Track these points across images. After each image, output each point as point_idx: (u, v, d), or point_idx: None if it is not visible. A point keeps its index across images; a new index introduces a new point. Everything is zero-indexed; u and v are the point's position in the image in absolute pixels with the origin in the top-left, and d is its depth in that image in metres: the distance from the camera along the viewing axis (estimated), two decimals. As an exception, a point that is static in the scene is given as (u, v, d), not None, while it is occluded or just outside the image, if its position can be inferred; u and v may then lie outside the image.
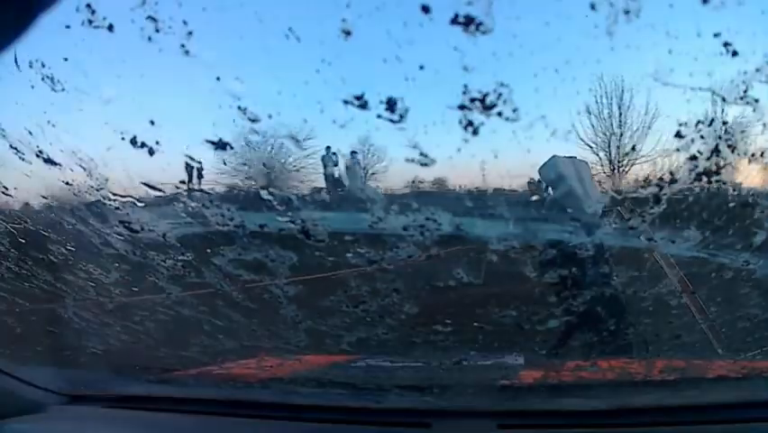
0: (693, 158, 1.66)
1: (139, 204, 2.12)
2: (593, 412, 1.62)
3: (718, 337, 2.13)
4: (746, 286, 2.03)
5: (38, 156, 2.20)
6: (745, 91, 1.58)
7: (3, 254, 2.14)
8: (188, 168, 1.95)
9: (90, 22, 1.58)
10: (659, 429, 1.54)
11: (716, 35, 1.54)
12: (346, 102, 1.50)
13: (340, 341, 1.90)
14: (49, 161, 2.21)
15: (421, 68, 1.54)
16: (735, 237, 1.95)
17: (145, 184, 2.32)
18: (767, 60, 1.57)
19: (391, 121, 1.50)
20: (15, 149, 2.13)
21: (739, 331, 2.09)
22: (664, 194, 1.71)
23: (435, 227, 1.73)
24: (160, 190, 2.10)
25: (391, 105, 1.49)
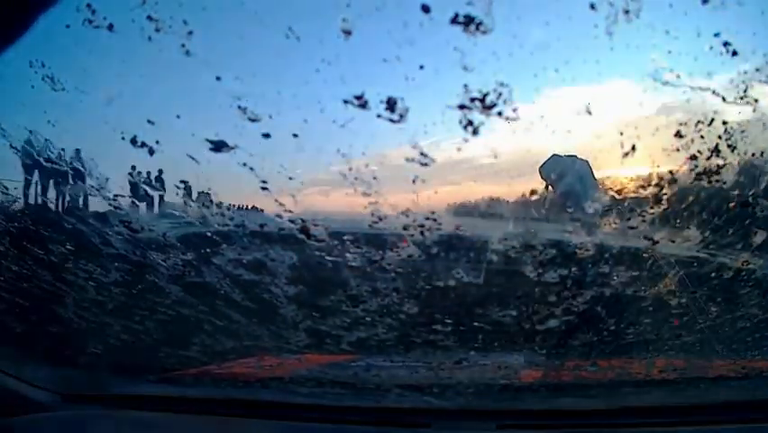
0: (693, 158, 1.66)
1: (139, 204, 2.12)
2: (593, 412, 1.62)
3: (718, 337, 2.12)
4: (746, 286, 2.03)
5: (38, 156, 2.20)
6: (745, 91, 1.58)
7: (3, 254, 2.14)
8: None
9: (90, 21, 1.58)
10: (659, 429, 1.54)
11: (716, 35, 1.55)
12: (346, 102, 1.50)
13: (340, 341, 1.90)
14: (49, 160, 2.22)
15: (421, 68, 1.54)
16: (735, 237, 1.94)
17: (146, 183, 2.33)
18: (767, 60, 1.58)
19: (391, 121, 1.50)
20: (15, 149, 2.13)
21: (739, 331, 2.08)
22: (664, 194, 1.71)
23: (435, 227, 1.73)
24: (160, 190, 2.10)
25: (391, 104, 1.49)
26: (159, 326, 2.06)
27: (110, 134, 1.84)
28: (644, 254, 2.05)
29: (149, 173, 2.30)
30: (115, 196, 2.12)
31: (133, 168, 2.29)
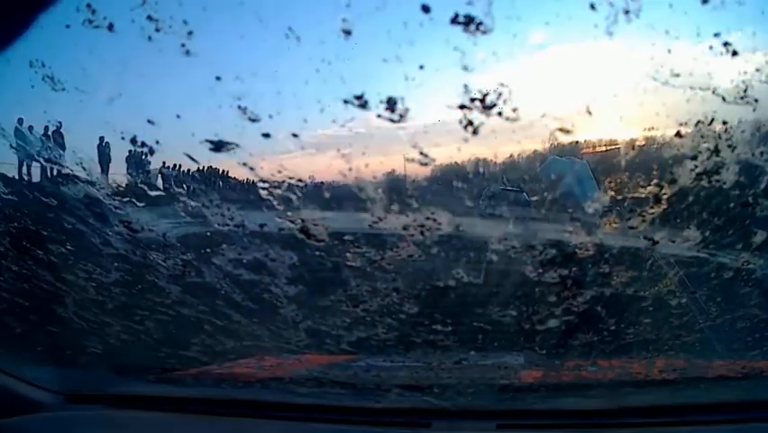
0: (693, 158, 1.66)
1: (139, 204, 2.12)
2: (593, 412, 1.62)
3: (718, 337, 2.12)
4: (746, 286, 2.03)
5: (38, 156, 2.20)
6: (745, 91, 1.58)
7: (3, 254, 2.14)
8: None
9: (90, 21, 1.58)
10: (659, 429, 1.54)
11: (716, 35, 1.55)
12: (346, 102, 1.50)
13: (340, 341, 1.90)
14: (49, 160, 2.22)
15: (421, 68, 1.54)
16: (735, 237, 1.94)
17: (145, 184, 2.33)
18: (767, 60, 1.58)
19: (391, 120, 1.50)
20: (16, 149, 2.13)
21: (739, 331, 2.08)
22: (664, 194, 1.71)
23: (436, 227, 1.73)
24: (159, 190, 2.10)
25: (391, 104, 1.49)
26: (159, 326, 2.06)
27: (110, 134, 1.85)
28: (644, 254, 2.05)
29: (149, 172, 2.31)
30: (115, 195, 2.13)
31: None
